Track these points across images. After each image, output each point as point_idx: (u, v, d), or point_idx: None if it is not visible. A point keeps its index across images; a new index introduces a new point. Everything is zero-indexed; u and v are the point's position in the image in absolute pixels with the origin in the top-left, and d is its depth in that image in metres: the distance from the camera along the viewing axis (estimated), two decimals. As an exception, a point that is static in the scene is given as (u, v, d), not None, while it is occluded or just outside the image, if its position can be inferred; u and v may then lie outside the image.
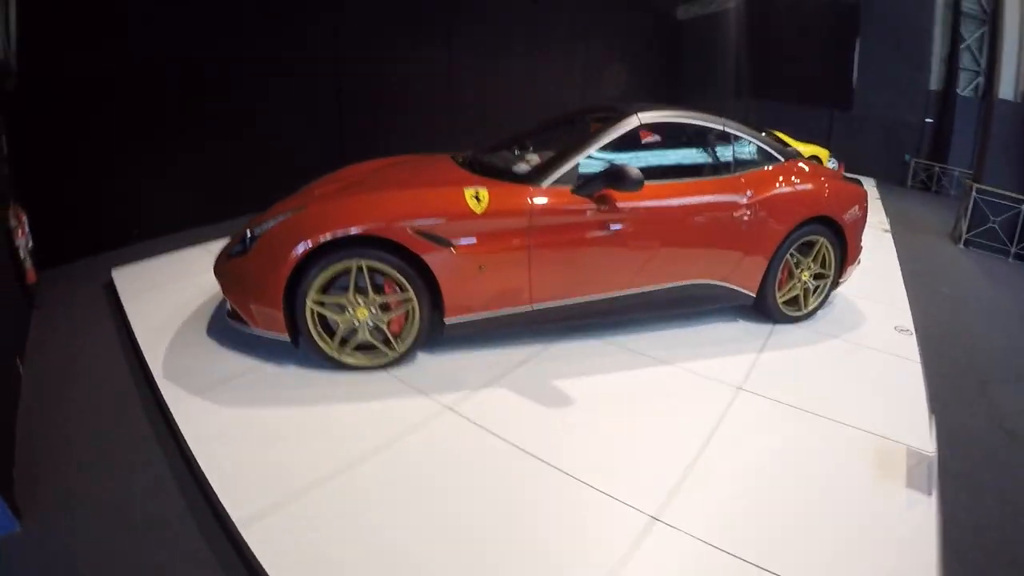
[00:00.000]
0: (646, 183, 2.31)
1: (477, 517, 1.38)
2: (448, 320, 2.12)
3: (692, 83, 10.72)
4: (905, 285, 3.62)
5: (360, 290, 2.02)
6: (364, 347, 2.11)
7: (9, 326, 2.26)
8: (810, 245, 2.76)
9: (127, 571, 1.27)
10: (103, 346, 2.45)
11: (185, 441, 1.68)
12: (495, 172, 2.32)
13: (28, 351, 2.38)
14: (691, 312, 2.76)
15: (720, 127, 2.63)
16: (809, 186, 2.75)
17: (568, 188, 2.14)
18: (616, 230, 2.22)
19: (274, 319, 2.01)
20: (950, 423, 2.06)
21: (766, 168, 2.71)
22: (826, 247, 2.77)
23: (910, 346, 2.65)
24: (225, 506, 1.39)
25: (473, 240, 2.02)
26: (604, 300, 2.31)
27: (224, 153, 4.53)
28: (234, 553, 1.28)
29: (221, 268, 2.20)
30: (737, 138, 2.67)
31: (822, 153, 8.42)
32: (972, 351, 2.91)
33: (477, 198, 2.03)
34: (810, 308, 2.88)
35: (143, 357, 2.23)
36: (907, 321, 2.96)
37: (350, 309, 2.04)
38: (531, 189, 2.12)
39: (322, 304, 2.02)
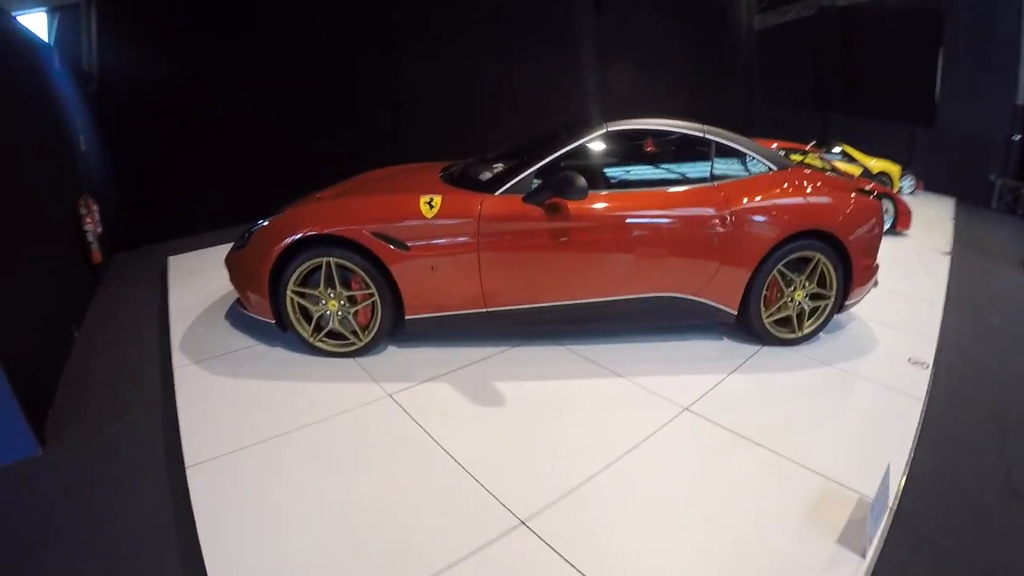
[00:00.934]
0: (609, 192, 2.46)
1: (367, 490, 1.64)
2: (408, 316, 2.42)
3: (768, 97, 10.67)
4: (945, 314, 3.34)
5: (332, 284, 2.39)
6: (335, 335, 2.48)
7: (70, 298, 2.93)
8: (805, 262, 2.65)
9: (109, 494, 1.70)
10: (145, 319, 3.06)
11: (175, 397, 2.14)
12: (464, 181, 2.57)
13: (87, 318, 3.06)
14: (668, 326, 2.80)
15: (699, 134, 2.64)
16: (799, 198, 2.63)
17: (520, 196, 2.33)
18: (572, 237, 2.34)
19: (262, 305, 2.45)
20: (944, 473, 1.89)
21: (750, 177, 2.65)
22: (825, 265, 2.65)
23: (919, 382, 2.44)
24: (184, 450, 1.80)
25: (425, 243, 2.30)
26: (561, 307, 2.45)
27: (283, 156, 5.24)
28: (180, 493, 1.66)
29: (229, 259, 2.69)
30: (720, 146, 2.64)
31: (893, 170, 7.63)
32: (1002, 393, 2.57)
33: (430, 204, 2.31)
34: (805, 331, 2.75)
35: (168, 330, 2.80)
36: (928, 353, 2.75)
37: (322, 301, 2.41)
38: (483, 197, 2.36)
39: (301, 295, 2.41)
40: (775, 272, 2.61)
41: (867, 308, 3.25)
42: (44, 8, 3.82)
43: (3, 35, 2.82)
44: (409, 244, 2.30)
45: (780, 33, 10.32)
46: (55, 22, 3.85)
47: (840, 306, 2.78)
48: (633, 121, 2.61)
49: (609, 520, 1.57)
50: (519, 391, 2.20)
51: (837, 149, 7.84)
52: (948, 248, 5.17)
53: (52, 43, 3.84)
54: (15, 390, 1.77)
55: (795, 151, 5.68)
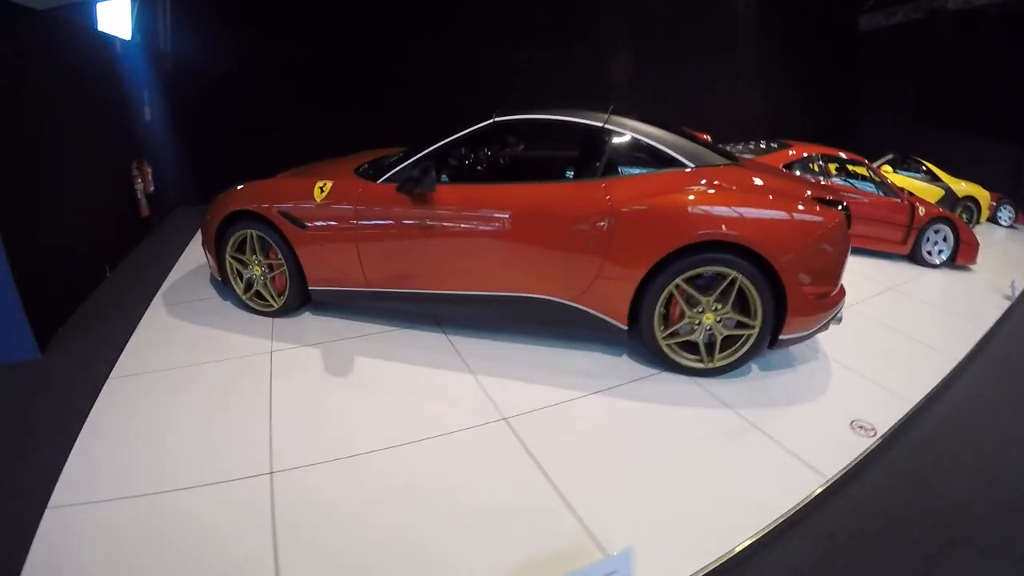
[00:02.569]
0: (483, 185, 2.74)
1: (206, 418, 2.30)
2: (310, 287, 3.04)
3: (868, 105, 10.32)
4: (955, 372, 2.99)
5: (256, 252, 3.10)
6: (261, 296, 3.21)
7: (109, 242, 4.10)
8: (724, 279, 2.47)
9: (49, 391, 2.60)
10: (166, 266, 4.15)
11: (135, 328, 3.07)
12: (372, 169, 3.05)
13: (126, 261, 4.25)
14: (568, 333, 2.91)
15: (598, 125, 2.63)
16: (706, 201, 2.43)
17: (395, 185, 2.72)
18: (435, 228, 2.66)
19: (211, 263, 3.28)
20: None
21: (652, 174, 2.55)
22: (748, 288, 2.47)
23: (841, 454, 2.14)
24: (117, 364, 2.67)
25: (316, 223, 2.86)
26: (434, 296, 2.82)
27: (330, 128, 6.23)
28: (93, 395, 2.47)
29: (202, 224, 3.56)
30: (621, 139, 2.61)
31: (982, 195, 6.96)
32: (966, 488, 2.11)
33: (322, 189, 2.85)
34: (717, 363, 2.60)
35: (165, 279, 3.82)
36: (887, 419, 2.42)
37: (249, 266, 3.15)
38: (366, 184, 2.81)
39: (237, 259, 3.17)
40: (672, 288, 2.51)
41: (848, 347, 3.12)
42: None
43: (75, 37, 3.97)
44: (306, 224, 2.89)
45: (885, 36, 9.87)
46: (136, 8, 5.10)
47: (773, 340, 2.58)
48: (524, 112, 2.75)
49: (340, 498, 1.80)
50: (369, 367, 2.67)
51: (912, 167, 7.51)
52: (1013, 291, 4.38)
53: (132, 26, 5.10)
54: (27, 305, 2.76)
55: (853, 162, 5.18)
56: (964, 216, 6.94)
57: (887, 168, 7.01)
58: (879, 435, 2.32)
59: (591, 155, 2.63)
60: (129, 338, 2.98)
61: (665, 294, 2.52)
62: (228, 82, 5.79)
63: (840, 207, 2.60)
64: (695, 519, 1.78)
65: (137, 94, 4.89)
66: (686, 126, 5.05)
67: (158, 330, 3.10)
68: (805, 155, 5.03)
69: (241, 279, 3.20)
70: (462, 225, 2.66)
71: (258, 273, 3.14)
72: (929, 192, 6.65)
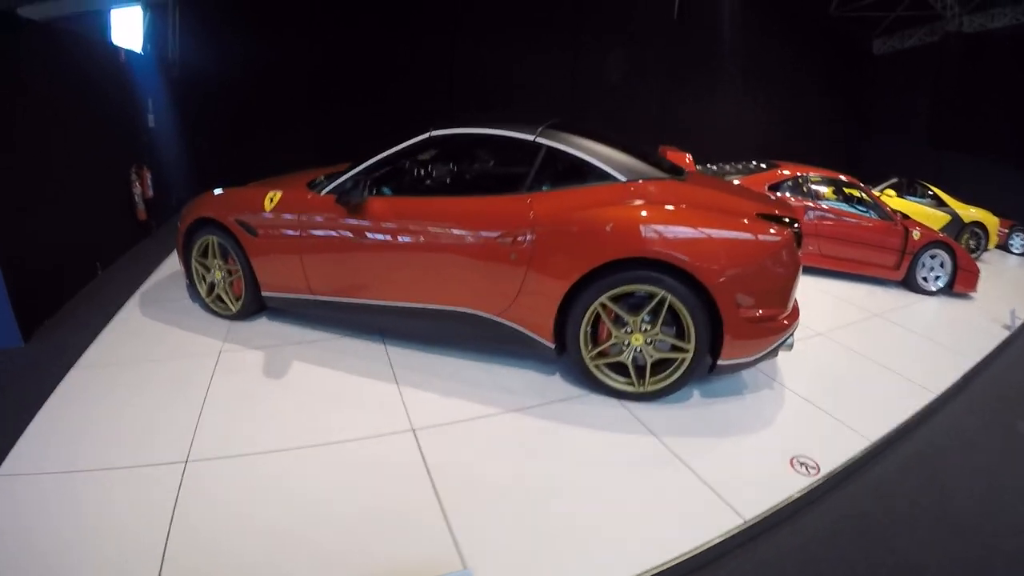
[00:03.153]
0: (416, 198, 2.92)
1: (152, 408, 2.57)
2: (263, 293, 3.32)
3: (881, 129, 10.51)
4: (931, 407, 2.97)
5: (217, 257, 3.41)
6: (220, 299, 3.51)
7: (103, 242, 4.52)
8: (655, 300, 2.47)
9: (39, 378, 2.96)
10: (149, 269, 4.54)
11: (110, 322, 3.43)
12: (325, 181, 3.30)
13: (119, 261, 4.67)
14: (501, 349, 2.99)
15: (529, 139, 2.73)
16: (630, 219, 2.45)
17: (334, 197, 2.95)
18: (369, 240, 2.89)
19: (183, 268, 3.62)
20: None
21: (580, 188, 2.60)
22: (680, 308, 2.45)
23: (773, 491, 2.08)
24: (83, 356, 3.00)
25: (266, 232, 3.14)
26: (370, 306, 3.04)
27: (335, 134, 6.64)
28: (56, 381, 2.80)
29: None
30: (552, 152, 2.68)
31: (991, 222, 7.00)
32: (923, 543, 1.93)
33: (271, 200, 3.13)
34: (648, 388, 2.60)
35: (146, 279, 4.22)
36: (836, 456, 2.34)
37: (211, 270, 3.46)
38: (311, 196, 3.06)
39: (203, 264, 3.49)
40: (598, 306, 2.53)
41: (812, 376, 3.15)
42: (139, 3, 5.59)
43: (80, 48, 4.44)
44: (258, 232, 3.17)
45: (899, 59, 10.12)
46: (147, 17, 5.60)
47: (712, 365, 2.57)
48: (460, 126, 2.91)
49: (233, 493, 2.01)
50: (301, 372, 2.91)
51: (919, 192, 7.56)
52: (1015, 322, 4.30)
53: (144, 38, 5.60)
54: (13, 298, 3.14)
55: (846, 184, 5.19)
56: (971, 243, 6.87)
57: (890, 192, 6.93)
58: (823, 474, 2.22)
59: (520, 169, 2.79)
60: (100, 333, 3.33)
61: (591, 312, 2.55)
62: (231, 90, 6.26)
63: (791, 225, 2.58)
64: (574, 550, 1.78)
65: (141, 102, 5.36)
66: (682, 145, 5.28)
67: (127, 326, 3.46)
68: (796, 175, 5.04)
69: (204, 282, 3.52)
70: (393, 237, 2.88)
71: (219, 277, 3.45)
72: (934, 218, 6.54)
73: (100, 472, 2.12)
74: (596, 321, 2.62)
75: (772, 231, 2.52)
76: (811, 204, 4.92)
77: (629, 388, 2.65)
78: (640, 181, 2.64)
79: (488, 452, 2.32)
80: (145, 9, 5.56)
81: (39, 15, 4.75)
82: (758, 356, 2.61)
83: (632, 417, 2.59)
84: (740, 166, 5.41)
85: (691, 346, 2.52)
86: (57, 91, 3.96)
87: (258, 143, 6.35)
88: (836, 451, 2.42)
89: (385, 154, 2.98)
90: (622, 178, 2.63)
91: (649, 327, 2.55)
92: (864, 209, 5.05)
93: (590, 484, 2.13)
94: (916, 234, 4.89)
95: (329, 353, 3.13)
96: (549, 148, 2.71)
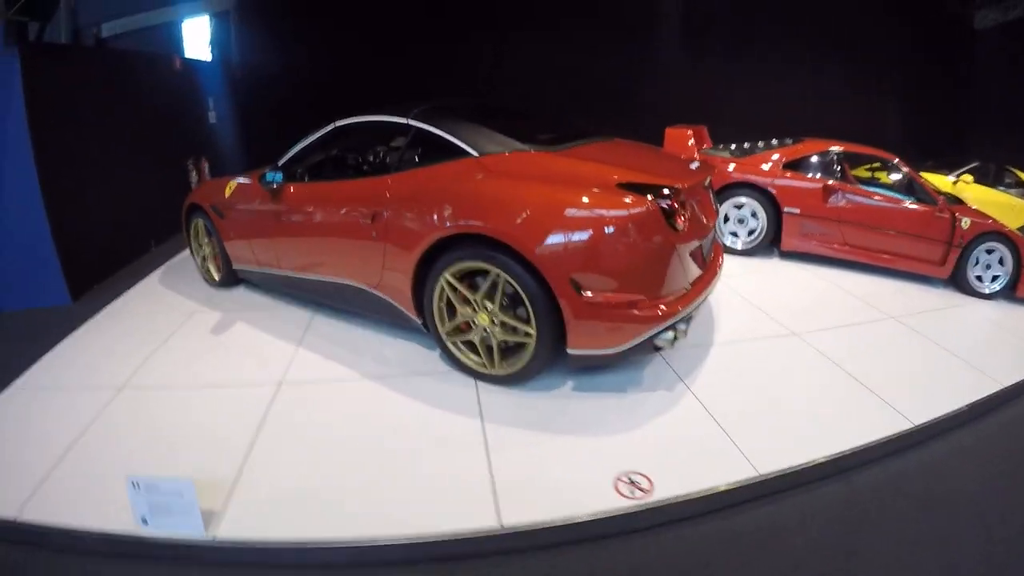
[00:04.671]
0: (316, 182, 3.50)
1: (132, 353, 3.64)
2: (234, 266, 4.27)
3: (981, 110, 9.10)
4: (904, 440, 2.67)
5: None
6: (208, 270, 4.56)
7: (159, 223, 5.94)
8: (490, 279, 2.61)
9: (70, 321, 4.26)
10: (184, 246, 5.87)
11: (134, 286, 4.68)
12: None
13: (169, 240, 6.08)
14: (390, 320, 3.35)
15: (402, 121, 3.04)
16: (460, 192, 2.62)
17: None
18: (284, 220, 3.55)
19: (187, 245, 4.77)
20: None
21: (435, 165, 2.83)
22: (518, 289, 2.52)
23: (567, 505, 2.10)
24: (104, 309, 4.24)
25: (228, 214, 4.03)
26: (293, 278, 3.71)
27: None
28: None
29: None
30: (420, 133, 2.96)
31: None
32: None
33: (230, 187, 4.02)
34: (498, 371, 2.76)
35: (177, 254, 5.51)
36: (715, 475, 2.29)
37: (202, 247, 4.52)
38: (253, 183, 3.86)
39: (196, 241, 4.58)
40: (443, 283, 2.73)
41: (733, 386, 2.94)
42: (207, 13, 7.04)
43: (150, 62, 5.87)
44: (224, 214, 4.11)
45: (1001, 33, 8.58)
46: (213, 25, 7.03)
47: (544, 348, 2.59)
48: (357, 115, 3.38)
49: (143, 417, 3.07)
50: (236, 331, 3.72)
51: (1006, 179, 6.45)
52: None
53: (211, 41, 7.05)
54: (65, 266, 4.49)
55: (882, 161, 4.76)
56: None
57: (967, 178, 5.94)
58: (654, 499, 2.13)
59: (390, 150, 3.21)
60: (122, 293, 4.57)
61: (439, 289, 2.78)
62: (286, 90, 7.52)
63: (658, 196, 2.46)
64: (313, 505, 2.13)
65: (202, 102, 6.79)
66: (741, 128, 5.34)
67: (145, 289, 4.66)
68: (819, 151, 4.80)
69: (199, 257, 4.60)
70: (297, 218, 3.53)
71: (207, 253, 4.50)
72: (1017, 208, 5.51)
73: (92, 391, 3.15)
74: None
75: (624, 202, 2.42)
76: (834, 184, 4.64)
77: (482, 369, 2.85)
78: (489, 155, 2.73)
79: (320, 411, 2.80)
80: (211, 19, 7.00)
81: (121, 29, 6.37)
82: (620, 348, 2.54)
83: (474, 399, 2.80)
84: (761, 144, 5.26)
85: (533, 330, 2.58)
86: (121, 97, 5.36)
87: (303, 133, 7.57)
88: (692, 477, 2.24)
89: (303, 144, 3.64)
90: (474, 153, 2.76)
91: (490, 305, 2.66)
92: (904, 194, 4.61)
93: (383, 451, 2.45)
94: (965, 223, 4.31)
95: (265, 318, 3.92)
96: (417, 129, 3.01)
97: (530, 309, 2.57)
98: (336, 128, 3.51)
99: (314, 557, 2.00)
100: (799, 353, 3.41)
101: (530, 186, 2.58)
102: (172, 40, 7.13)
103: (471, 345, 2.90)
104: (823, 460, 2.44)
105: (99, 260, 4.95)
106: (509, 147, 2.80)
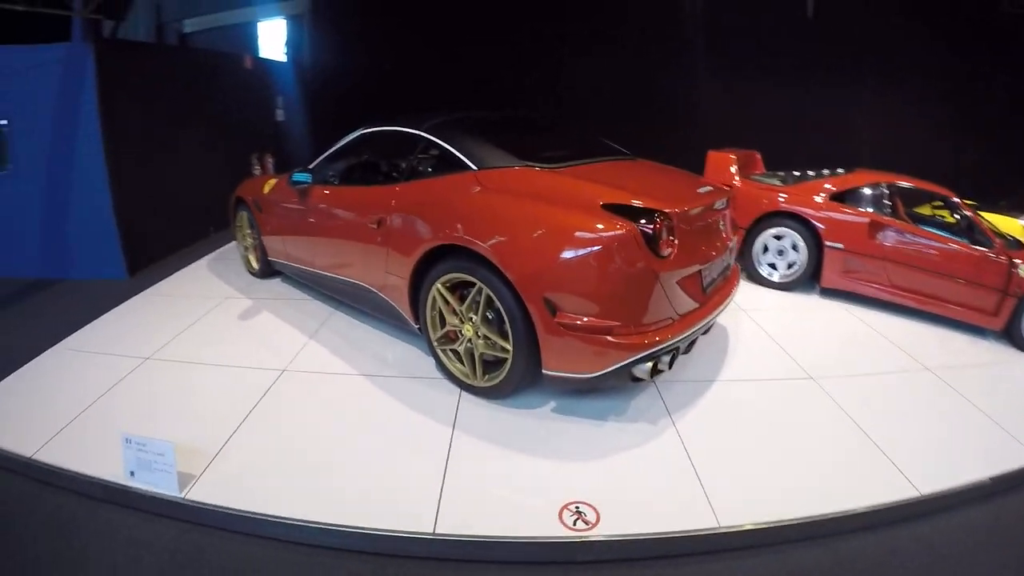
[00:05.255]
0: (340, 186, 3.80)
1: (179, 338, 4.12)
2: (269, 258, 4.69)
3: None
4: (900, 512, 2.45)
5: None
6: (248, 260, 5.03)
7: (220, 211, 6.56)
8: (474, 291, 2.75)
9: (123, 295, 4.82)
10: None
11: (184, 268, 5.23)
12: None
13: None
14: (396, 323, 3.50)
15: (416, 133, 3.24)
16: (449, 206, 2.81)
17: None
18: (309, 221, 3.88)
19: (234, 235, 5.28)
20: None
21: (434, 178, 3.06)
22: (500, 306, 2.62)
23: (498, 522, 2.17)
24: (153, 286, 4.79)
25: (265, 209, 4.45)
26: (320, 276, 4.02)
27: None
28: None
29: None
30: (429, 145, 3.16)
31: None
32: None
33: (268, 185, 4.44)
34: (482, 382, 2.86)
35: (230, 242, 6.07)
36: (670, 509, 2.28)
37: (246, 238, 4.99)
38: (285, 182, 4.26)
39: (240, 233, 5.06)
40: (435, 292, 2.92)
41: (725, 431, 2.85)
42: (282, 16, 7.73)
43: (224, 62, 6.54)
44: (263, 209, 4.54)
45: None
46: (288, 27, 7.71)
47: (523, 366, 2.67)
48: (380, 124, 3.65)
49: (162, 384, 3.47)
50: (261, 319, 4.11)
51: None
52: None
53: (286, 42, 7.73)
54: (125, 245, 5.11)
55: (946, 201, 4.52)
56: None
57: None
58: (594, 534, 2.13)
59: (403, 160, 3.42)
60: (172, 273, 5.13)
61: (431, 297, 2.97)
62: (354, 92, 8.08)
63: (643, 219, 2.48)
64: (287, 484, 2.38)
65: (271, 100, 7.44)
66: (809, 152, 5.26)
67: (193, 271, 5.20)
68: (868, 184, 4.63)
69: (243, 247, 5.08)
70: (319, 219, 3.85)
71: (249, 243, 4.97)
72: None
73: (124, 358, 3.62)
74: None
75: (601, 225, 2.45)
76: (881, 219, 4.35)
77: (465, 379, 2.98)
78: (487, 170, 2.88)
79: (310, 400, 3.06)
80: (286, 21, 7.69)
81: (201, 26, 7.14)
82: (593, 374, 2.56)
83: (454, 407, 2.93)
84: (811, 172, 5.14)
85: (510, 345, 2.68)
86: (189, 91, 6.02)
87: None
88: (645, 518, 2.23)
89: (333, 148, 3.98)
90: (473, 167, 2.92)
91: (474, 317, 2.79)
92: (961, 234, 4.34)
93: (352, 444, 2.66)
94: (1023, 270, 4.04)
95: (289, 309, 4.30)
96: (428, 141, 3.20)
97: (508, 325, 2.66)
98: (361, 136, 3.82)
99: (263, 529, 2.23)
100: (810, 399, 3.22)
101: (515, 202, 2.69)
102: (249, 40, 7.88)
103: (458, 354, 3.02)
104: (795, 521, 2.27)
105: (157, 241, 5.56)
106: (508, 163, 2.94)
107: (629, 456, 2.63)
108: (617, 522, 2.21)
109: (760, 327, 4.14)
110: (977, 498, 2.64)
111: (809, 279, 4.76)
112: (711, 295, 3.05)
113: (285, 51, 7.96)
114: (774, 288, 4.87)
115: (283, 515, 2.23)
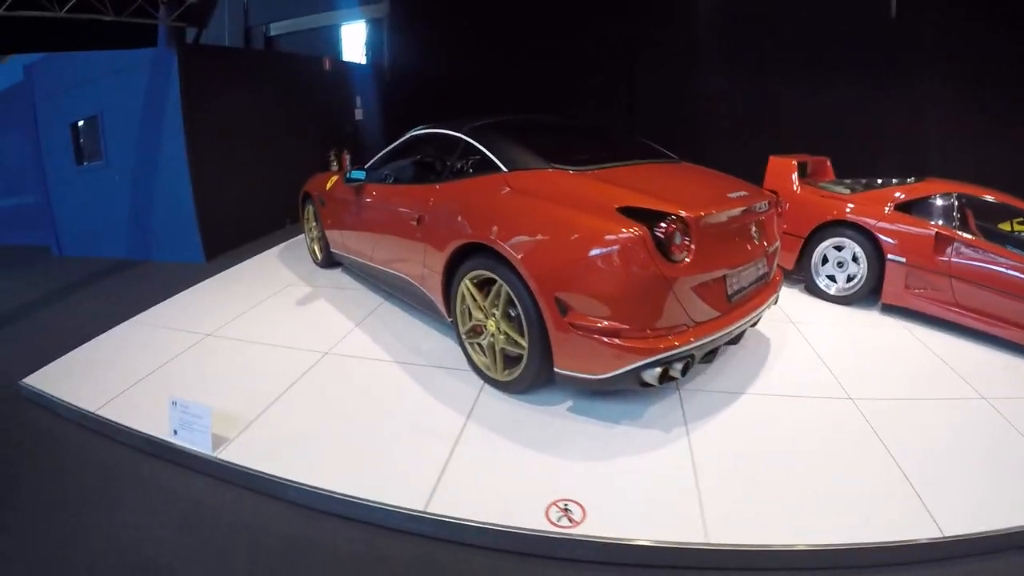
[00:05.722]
0: (390, 185, 4.07)
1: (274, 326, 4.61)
2: (331, 250, 5.10)
3: None
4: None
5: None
6: (313, 251, 5.47)
7: (296, 204, 7.14)
8: (495, 287, 2.89)
9: (199, 276, 5.41)
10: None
11: (257, 255, 5.78)
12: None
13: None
14: (433, 316, 3.71)
15: (457, 135, 3.47)
16: (477, 205, 2.99)
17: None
18: (362, 216, 4.20)
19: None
20: None
21: (472, 178, 3.21)
22: (517, 303, 2.76)
23: (477, 510, 2.28)
24: (227, 270, 5.34)
25: (327, 204, 4.83)
26: (371, 268, 4.33)
27: None
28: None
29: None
30: (468, 147, 3.34)
31: None
32: None
33: (330, 182, 4.83)
34: (502, 376, 2.99)
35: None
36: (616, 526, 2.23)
37: (312, 230, 5.44)
38: (342, 178, 4.61)
39: (307, 225, 5.52)
40: (464, 287, 3.09)
41: (743, 442, 2.80)
42: (363, 20, 8.28)
43: (307, 65, 7.13)
44: (325, 203, 4.95)
45: None
46: (368, 30, 8.26)
47: (540, 363, 2.76)
48: (430, 127, 3.92)
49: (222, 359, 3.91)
50: (317, 305, 4.50)
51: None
52: None
53: (366, 45, 8.28)
54: (203, 232, 5.72)
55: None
56: None
57: None
58: (576, 532, 2.18)
59: (445, 161, 3.61)
60: (243, 261, 5.68)
61: (460, 292, 3.14)
62: (430, 94, 8.53)
63: (661, 223, 2.50)
64: (313, 452, 2.69)
65: (350, 100, 7.99)
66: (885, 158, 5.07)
67: (264, 259, 5.74)
68: (936, 194, 4.35)
69: (309, 238, 5.54)
70: (371, 214, 4.16)
71: (314, 235, 5.41)
72: None
73: (194, 334, 4.13)
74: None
75: (610, 227, 2.52)
76: (948, 233, 4.03)
77: (488, 371, 3.12)
78: (515, 171, 3.04)
79: (345, 382, 3.33)
80: (367, 25, 8.23)
81: (286, 29, 7.80)
82: (602, 376, 2.61)
83: (473, 398, 3.09)
84: (880, 180, 4.86)
85: (526, 342, 2.81)
86: (269, 92, 6.61)
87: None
88: (635, 525, 2.23)
89: (387, 149, 4.32)
90: (504, 169, 3.09)
91: (495, 311, 2.95)
92: None
93: (373, 424, 2.90)
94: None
95: (343, 298, 4.65)
96: (467, 143, 3.40)
97: (524, 322, 2.78)
98: (411, 138, 4.13)
99: (277, 490, 2.50)
100: (844, 421, 3.05)
101: (533, 204, 2.82)
102: (332, 42, 8.50)
103: (483, 347, 3.17)
104: (794, 548, 2.18)
105: (234, 230, 6.17)
106: (537, 165, 3.06)
107: (632, 461, 2.64)
108: (603, 524, 2.23)
109: (807, 341, 4.00)
110: (1010, 547, 2.40)
111: (870, 294, 4.54)
112: (738, 304, 3.00)
113: (365, 53, 8.53)
114: (832, 301, 4.69)
115: (295, 479, 2.49)
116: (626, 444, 2.76)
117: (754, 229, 3.09)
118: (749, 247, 3.03)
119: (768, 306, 3.31)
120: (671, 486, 2.48)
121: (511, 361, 3.04)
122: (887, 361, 3.82)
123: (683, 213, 2.60)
